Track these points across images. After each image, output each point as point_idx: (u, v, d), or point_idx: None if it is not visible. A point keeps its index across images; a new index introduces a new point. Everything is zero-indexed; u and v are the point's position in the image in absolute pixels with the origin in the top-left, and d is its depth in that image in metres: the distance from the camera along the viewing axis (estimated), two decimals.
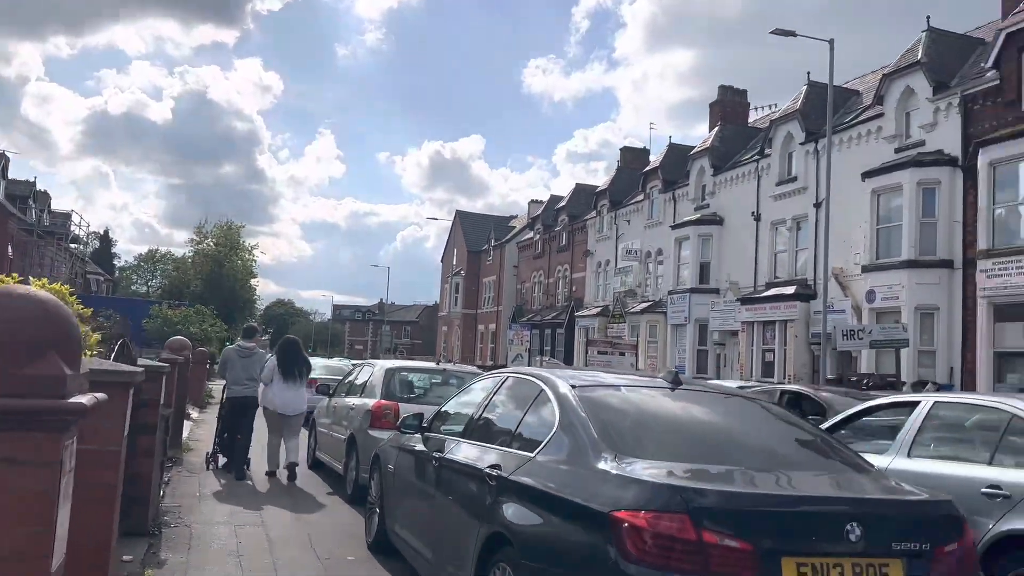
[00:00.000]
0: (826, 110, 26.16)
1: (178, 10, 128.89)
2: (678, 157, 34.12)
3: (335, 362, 19.32)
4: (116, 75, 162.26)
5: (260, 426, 10.24)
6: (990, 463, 5.16)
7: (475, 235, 59.53)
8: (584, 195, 43.75)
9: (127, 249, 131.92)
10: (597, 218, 39.75)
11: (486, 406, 4.67)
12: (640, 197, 35.72)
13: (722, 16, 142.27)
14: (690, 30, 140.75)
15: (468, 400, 5.19)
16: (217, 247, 52.08)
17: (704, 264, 29.70)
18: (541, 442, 3.74)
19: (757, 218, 27.44)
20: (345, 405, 8.97)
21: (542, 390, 4.12)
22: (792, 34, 18.06)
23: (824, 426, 5.92)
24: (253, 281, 55.40)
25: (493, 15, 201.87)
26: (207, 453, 10.00)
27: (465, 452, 4.42)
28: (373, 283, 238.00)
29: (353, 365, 13.93)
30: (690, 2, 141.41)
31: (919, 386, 18.09)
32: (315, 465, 10.25)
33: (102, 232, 72.62)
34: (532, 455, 3.71)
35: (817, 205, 24.71)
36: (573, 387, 3.95)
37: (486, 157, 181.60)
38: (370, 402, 8.04)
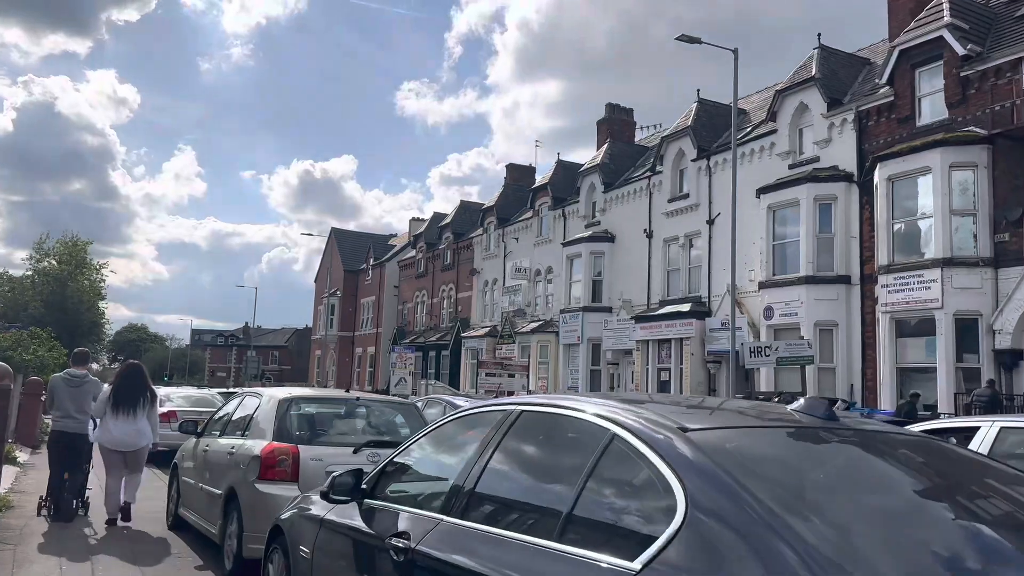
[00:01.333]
0: (716, 127, 26.20)
1: (25, 16, 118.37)
2: (567, 174, 33.52)
3: (202, 392, 16.73)
4: None
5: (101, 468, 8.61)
6: None
7: (352, 254, 56.89)
8: (469, 212, 42.48)
9: None
10: (484, 235, 38.51)
11: (487, 461, 2.79)
12: (529, 214, 34.79)
13: (590, 50, 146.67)
14: (559, 62, 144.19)
15: (440, 449, 3.36)
16: (60, 265, 46.87)
17: (596, 282, 29.00)
18: (653, 539, 1.99)
19: (650, 235, 27.01)
20: (221, 449, 6.87)
21: (613, 436, 2.35)
22: (698, 41, 17.52)
23: None
24: (102, 304, 50.32)
25: (365, 36, 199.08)
26: (40, 498, 8.59)
27: (463, 545, 2.54)
28: (237, 307, 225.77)
29: (225, 394, 11.68)
30: (559, 35, 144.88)
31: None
32: (178, 525, 8.05)
33: None
34: (635, 567, 1.95)
35: (710, 222, 24.53)
36: (683, 430, 2.25)
37: (358, 178, 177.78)
38: (257, 445, 6.04)
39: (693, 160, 25.34)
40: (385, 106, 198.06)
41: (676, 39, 17.30)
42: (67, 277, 45.70)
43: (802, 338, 18.78)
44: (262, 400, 6.72)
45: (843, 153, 20.18)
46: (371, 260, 54.27)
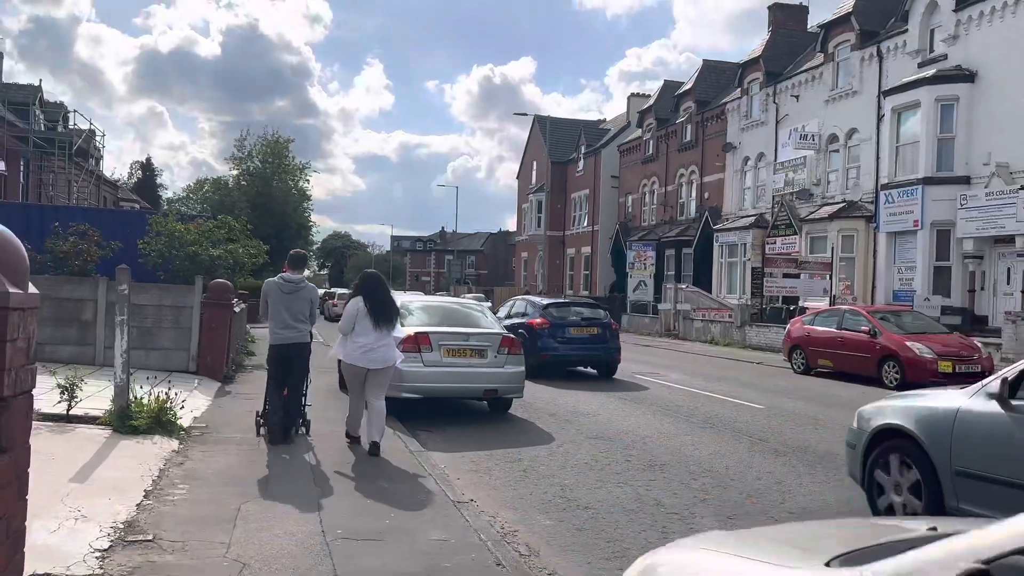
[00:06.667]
0: None
1: None
2: (876, 1, 24.46)
3: (452, 302, 10.94)
4: (164, 11, 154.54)
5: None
6: None
7: (559, 144, 50.35)
8: (715, 75, 34.27)
9: (185, 188, 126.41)
10: (743, 98, 30.27)
11: None
12: (818, 60, 26.16)
13: None
14: None
15: None
16: (263, 165, 44.33)
17: (943, 141, 20.42)
18: None
19: None
20: None
21: None
22: None
23: None
24: (306, 205, 47.68)
25: None
26: (256, 414, 7.68)
27: None
28: (427, 214, 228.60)
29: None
30: None
31: None
32: None
33: (144, 161, 65.71)
34: None
35: None
36: None
37: (537, 80, 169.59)
38: None
39: None
40: (563, 2, 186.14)
41: None
42: (270, 176, 43.04)
43: None
44: None
45: None
46: (583, 148, 47.54)
